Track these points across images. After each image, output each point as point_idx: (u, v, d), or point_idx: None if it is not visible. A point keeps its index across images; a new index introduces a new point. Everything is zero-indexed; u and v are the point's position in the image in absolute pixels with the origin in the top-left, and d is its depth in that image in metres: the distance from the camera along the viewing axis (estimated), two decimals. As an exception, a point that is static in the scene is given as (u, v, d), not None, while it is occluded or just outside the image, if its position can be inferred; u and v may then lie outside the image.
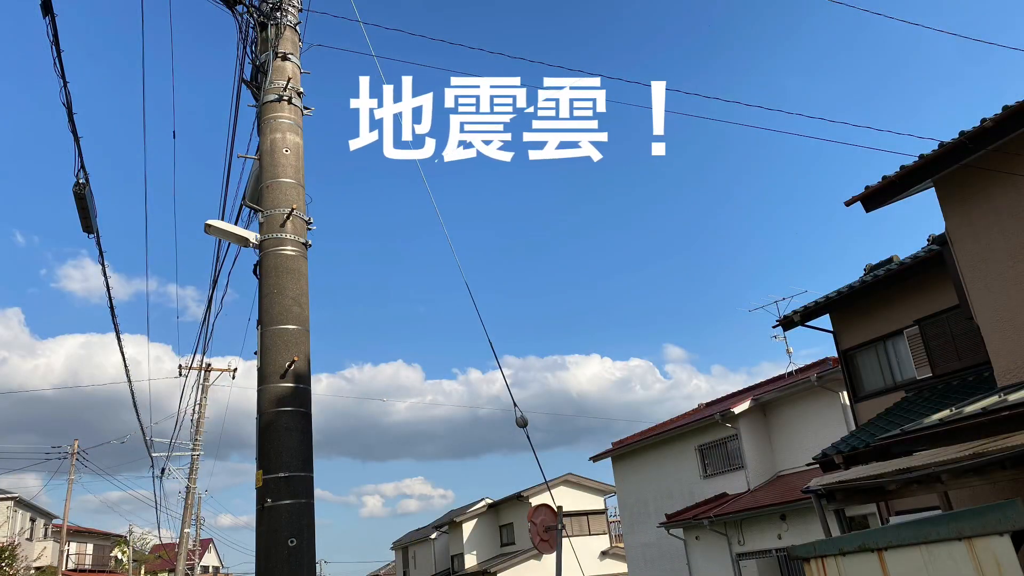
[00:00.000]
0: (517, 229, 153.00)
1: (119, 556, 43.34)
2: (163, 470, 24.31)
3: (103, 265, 9.42)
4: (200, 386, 25.13)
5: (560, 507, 9.57)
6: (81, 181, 6.88)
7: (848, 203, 11.31)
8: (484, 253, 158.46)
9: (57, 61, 5.77)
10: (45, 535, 39.17)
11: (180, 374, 23.84)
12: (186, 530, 24.57)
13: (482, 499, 39.13)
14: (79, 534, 42.57)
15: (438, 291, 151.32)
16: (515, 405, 7.06)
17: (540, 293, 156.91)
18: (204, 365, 24.92)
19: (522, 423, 7.11)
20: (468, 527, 37.48)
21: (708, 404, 27.34)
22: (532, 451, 7.45)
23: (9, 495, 33.04)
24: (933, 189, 10.78)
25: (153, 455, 23.80)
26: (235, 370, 26.09)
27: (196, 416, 24.98)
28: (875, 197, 11.01)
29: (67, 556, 39.38)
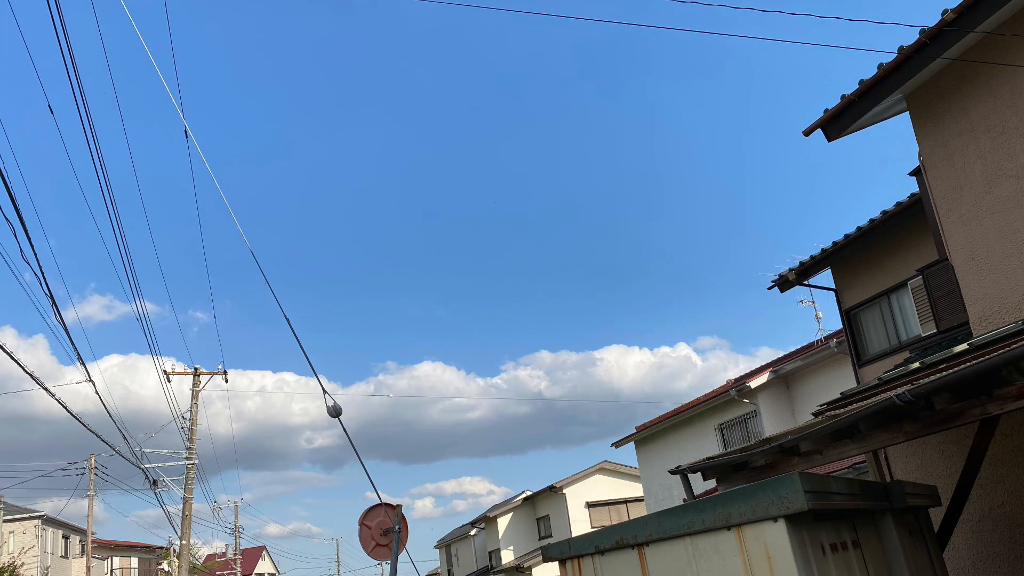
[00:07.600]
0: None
1: (167, 568, 43.24)
2: (155, 482, 23.78)
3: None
4: (192, 391, 24.47)
5: (399, 505, 8.14)
6: None
7: (807, 132, 9.68)
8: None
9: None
10: (82, 552, 39.01)
11: (167, 379, 23.18)
12: (183, 542, 24.02)
13: (522, 492, 37.87)
14: (121, 548, 42.42)
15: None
16: (324, 392, 5.77)
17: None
18: (193, 370, 24.34)
19: (334, 412, 5.85)
20: (503, 522, 36.16)
21: (736, 380, 25.62)
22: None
23: (35, 514, 32.74)
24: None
25: (146, 467, 23.23)
26: (226, 373, 25.44)
27: (189, 424, 24.31)
28: (837, 120, 9.34)
29: (111, 571, 39.24)
